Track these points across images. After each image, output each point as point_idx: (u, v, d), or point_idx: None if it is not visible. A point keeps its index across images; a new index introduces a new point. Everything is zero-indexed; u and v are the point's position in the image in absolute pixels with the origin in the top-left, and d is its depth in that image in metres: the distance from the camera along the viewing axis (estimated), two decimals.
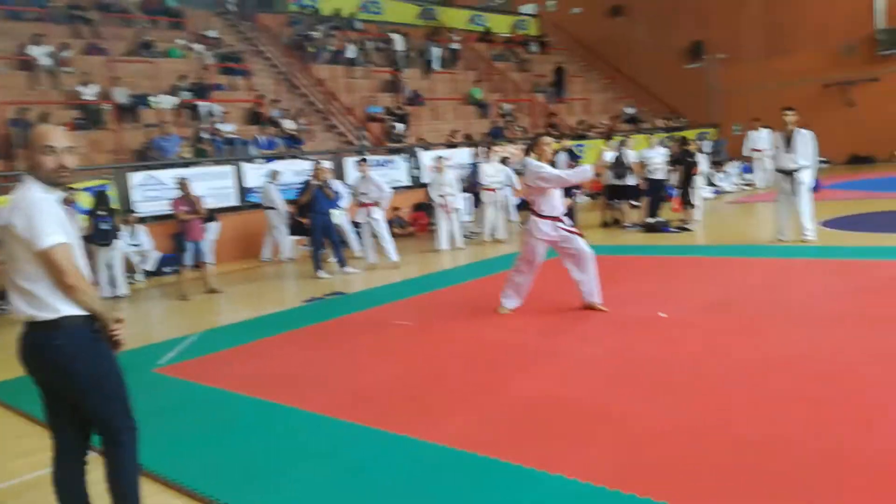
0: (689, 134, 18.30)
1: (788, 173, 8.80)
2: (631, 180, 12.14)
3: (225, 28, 19.83)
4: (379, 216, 10.59)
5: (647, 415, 3.81)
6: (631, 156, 12.28)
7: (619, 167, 12.08)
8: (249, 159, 13.47)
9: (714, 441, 3.39)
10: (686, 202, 11.75)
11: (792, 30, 22.82)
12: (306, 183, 10.25)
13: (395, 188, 14.99)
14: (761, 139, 16.96)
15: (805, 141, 8.71)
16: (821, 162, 20.84)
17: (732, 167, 18.27)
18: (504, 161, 14.07)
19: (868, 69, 21.56)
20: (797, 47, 22.74)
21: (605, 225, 12.87)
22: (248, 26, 20.17)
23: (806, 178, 8.72)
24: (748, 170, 18.29)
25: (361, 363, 5.40)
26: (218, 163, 13.15)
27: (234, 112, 15.88)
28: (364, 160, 11.65)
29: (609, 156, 12.64)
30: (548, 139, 6.44)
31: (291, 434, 4.06)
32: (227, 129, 14.70)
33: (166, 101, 14.98)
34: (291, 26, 20.76)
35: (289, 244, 12.39)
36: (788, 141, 8.73)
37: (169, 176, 11.69)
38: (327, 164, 11.85)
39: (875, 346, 4.56)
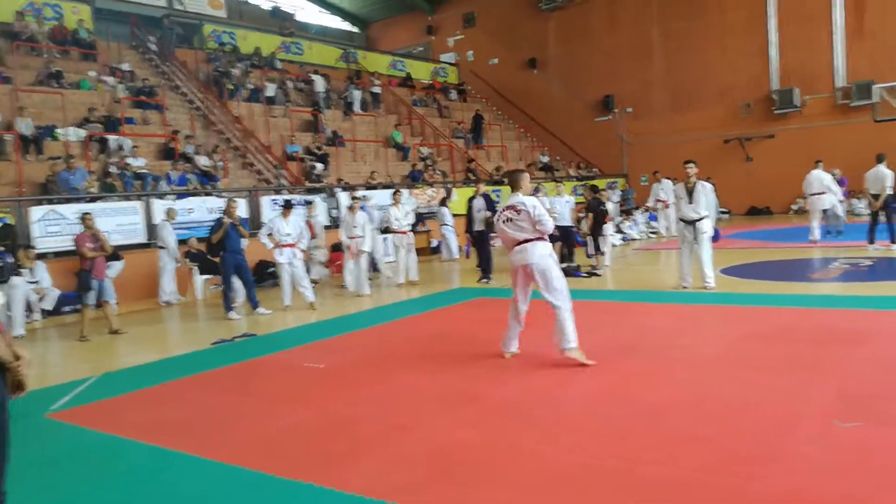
0: (600, 183, 19.03)
1: (690, 223, 9.26)
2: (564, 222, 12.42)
3: (139, 61, 19.40)
4: (299, 257, 10.45)
5: (556, 457, 3.87)
6: (546, 203, 12.63)
7: None
8: (160, 195, 13.09)
9: (619, 482, 3.47)
10: (597, 249, 12.16)
11: (695, 88, 24.28)
12: (219, 220, 10.02)
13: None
14: (664, 190, 17.88)
15: (705, 192, 9.20)
16: (721, 212, 22.15)
17: (640, 215, 19.06)
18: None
19: (765, 126, 23.11)
20: (700, 104, 24.19)
21: None
22: (164, 61, 19.78)
23: (707, 227, 9.19)
24: (654, 218, 19.14)
25: (269, 408, 5.25)
26: (126, 198, 12.71)
27: (146, 147, 15.46)
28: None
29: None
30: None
31: (192, 484, 3.90)
32: (138, 163, 14.28)
33: (73, 134, 14.44)
34: (209, 63, 20.52)
35: (198, 283, 12.06)
36: (690, 192, 9.20)
37: (72, 210, 11.21)
38: (241, 202, 11.66)
39: (763, 388, 4.80)
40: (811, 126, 22.15)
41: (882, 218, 11.99)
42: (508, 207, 6.11)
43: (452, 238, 16.09)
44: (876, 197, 12.03)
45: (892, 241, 11.82)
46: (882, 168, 12.08)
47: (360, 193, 14.74)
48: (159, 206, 12.57)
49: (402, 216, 12.39)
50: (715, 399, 4.68)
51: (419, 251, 13.51)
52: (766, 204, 23.15)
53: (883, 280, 9.41)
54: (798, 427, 4.04)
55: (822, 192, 14.07)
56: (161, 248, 11.64)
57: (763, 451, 3.72)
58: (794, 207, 22.52)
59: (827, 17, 21.86)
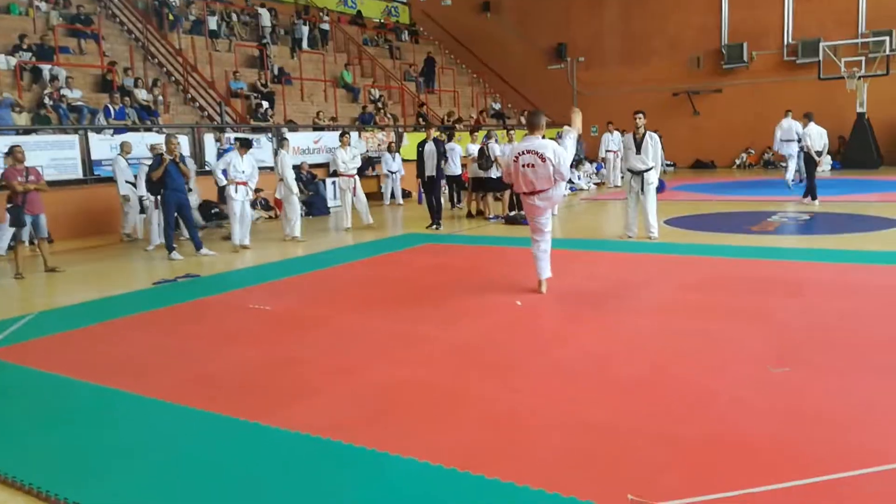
0: (550, 133, 19.03)
1: (638, 173, 9.38)
2: (494, 173, 12.44)
3: None
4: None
5: (500, 398, 3.94)
6: (496, 150, 12.58)
7: (484, 160, 12.33)
8: (97, 129, 12.54)
9: (560, 424, 3.55)
10: None
11: (647, 40, 24.34)
12: (159, 157, 9.67)
13: (259, 168, 14.59)
14: (613, 141, 18.05)
15: (653, 143, 9.30)
16: (667, 165, 22.54)
17: (589, 166, 19.23)
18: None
19: (713, 80, 23.41)
20: (651, 57, 24.31)
21: (469, 216, 13.15)
22: None
23: (653, 178, 9.33)
24: (601, 168, 19.36)
25: (212, 348, 5.19)
26: (63, 131, 12.14)
27: (82, 78, 14.73)
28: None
29: (474, 148, 12.91)
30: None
31: (132, 422, 3.84)
32: (73, 95, 13.61)
33: (3, 62, 13.65)
34: None
35: (139, 222, 11.71)
36: (639, 143, 9.29)
37: (3, 144, 10.66)
38: (181, 138, 11.28)
39: (700, 335, 4.96)
40: (758, 81, 22.54)
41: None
42: (529, 151, 6.04)
43: (393, 184, 16.25)
44: (819, 153, 12.49)
45: (809, 196, 12.48)
46: (814, 126, 12.58)
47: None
48: (96, 140, 12.07)
49: (349, 159, 12.19)
50: (654, 346, 4.82)
51: (369, 196, 13.36)
52: (710, 158, 23.63)
53: (818, 234, 9.76)
54: (731, 372, 4.19)
55: (793, 140, 14.47)
56: (129, 182, 11.10)
57: (699, 396, 3.86)
58: (738, 161, 23.06)
59: None
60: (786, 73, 22.14)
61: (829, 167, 18.82)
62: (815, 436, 3.27)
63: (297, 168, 13.31)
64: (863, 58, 19.78)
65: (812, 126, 12.59)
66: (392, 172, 16.09)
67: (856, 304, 5.65)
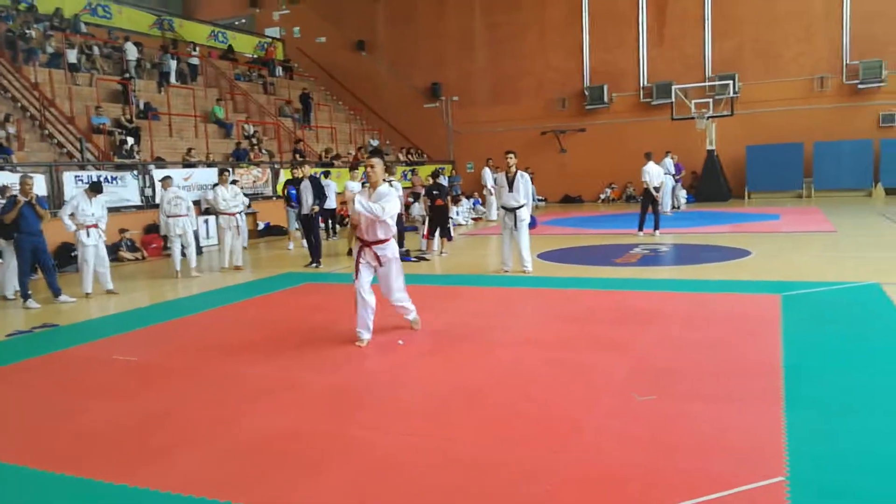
0: (427, 169, 19.41)
1: (511, 210, 9.74)
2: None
3: None
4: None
5: (382, 442, 3.94)
6: (395, 188, 12.60)
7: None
8: None
9: (440, 463, 3.61)
10: (443, 233, 12.40)
11: (515, 81, 25.47)
12: (12, 199, 9.01)
13: (123, 208, 13.91)
14: (492, 177, 18.65)
15: (524, 182, 9.72)
16: (539, 200, 23.49)
17: (466, 202, 19.72)
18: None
19: (577, 120, 24.75)
20: (519, 97, 25.44)
21: (350, 252, 13.07)
22: None
23: (525, 215, 9.72)
24: (478, 203, 19.90)
25: (76, 405, 4.86)
26: None
27: None
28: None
29: (353, 186, 12.94)
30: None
31: None
32: None
33: None
34: (2, 21, 18.29)
35: None
36: (511, 181, 9.67)
37: None
38: (37, 178, 10.60)
39: (571, 366, 5.20)
40: (618, 122, 24.06)
41: (649, 208, 13.78)
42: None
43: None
44: (657, 189, 13.77)
45: (656, 229, 13.63)
46: (652, 164, 13.95)
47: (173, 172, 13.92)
48: None
49: (231, 197, 11.89)
50: (529, 379, 5.00)
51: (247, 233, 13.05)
52: (578, 192, 24.86)
53: (676, 264, 10.49)
54: (599, 402, 4.42)
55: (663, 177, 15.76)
56: None
57: (568, 426, 4.05)
58: (602, 196, 24.39)
59: (634, 21, 23.79)
60: (643, 114, 23.80)
61: (685, 200, 20.34)
62: (675, 463, 3.50)
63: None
64: (710, 99, 21.62)
65: (651, 164, 13.79)
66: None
67: (712, 331, 6.10)
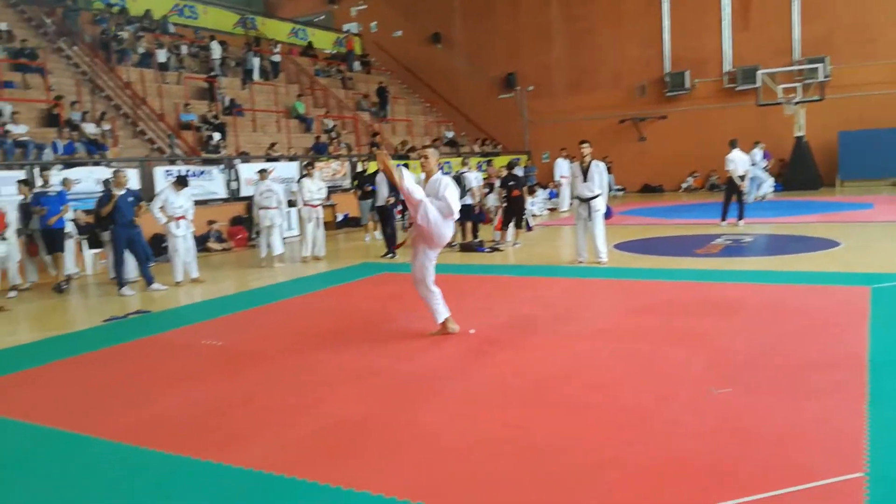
0: (502, 160, 19.36)
1: (585, 200, 9.62)
2: (469, 201, 12.45)
3: (18, 21, 18.05)
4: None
5: (451, 428, 4.00)
6: (471, 179, 12.62)
7: (459, 188, 12.21)
8: (44, 164, 12.32)
9: (508, 451, 3.64)
10: (518, 224, 12.38)
11: (593, 70, 25.04)
12: (108, 192, 9.55)
13: (210, 201, 14.50)
14: (566, 167, 18.38)
15: (599, 171, 9.57)
16: (617, 190, 23.08)
17: (542, 192, 19.56)
18: None
19: (658, 107, 24.13)
20: (597, 85, 24.99)
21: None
22: (46, 20, 18.46)
23: (600, 205, 9.58)
24: (554, 195, 19.71)
25: (164, 386, 5.14)
26: (8, 167, 11.90)
27: (28, 113, 14.49)
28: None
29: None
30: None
31: (85, 465, 3.79)
32: (19, 130, 13.36)
33: None
34: (96, 24, 19.34)
35: (88, 258, 11.53)
36: (585, 171, 9.54)
37: None
38: (130, 172, 11.16)
39: (646, 359, 5.12)
40: (700, 108, 23.31)
41: (734, 197, 13.22)
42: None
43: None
44: (742, 178, 13.16)
45: (740, 218, 13.18)
46: (737, 152, 13.33)
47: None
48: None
49: (316, 189, 12.23)
50: (602, 370, 4.95)
51: (324, 225, 13.37)
52: (658, 182, 24.25)
53: (760, 255, 10.12)
54: (675, 395, 4.34)
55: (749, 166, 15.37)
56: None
57: (641, 418, 3.99)
58: (684, 185, 23.72)
59: (717, 5, 22.97)
60: (727, 100, 22.97)
61: (772, 189, 19.52)
62: (751, 455, 3.41)
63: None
64: (799, 84, 20.64)
65: (736, 152, 13.22)
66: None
67: (795, 324, 5.88)
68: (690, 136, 23.15)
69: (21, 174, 11.61)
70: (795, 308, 6.48)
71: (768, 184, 18.91)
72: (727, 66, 23.06)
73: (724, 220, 13.22)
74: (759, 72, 21.39)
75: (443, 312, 6.10)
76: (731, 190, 13.22)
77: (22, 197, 10.16)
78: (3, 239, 9.41)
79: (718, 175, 21.52)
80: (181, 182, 10.14)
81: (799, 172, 20.91)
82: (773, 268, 8.71)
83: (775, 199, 18.84)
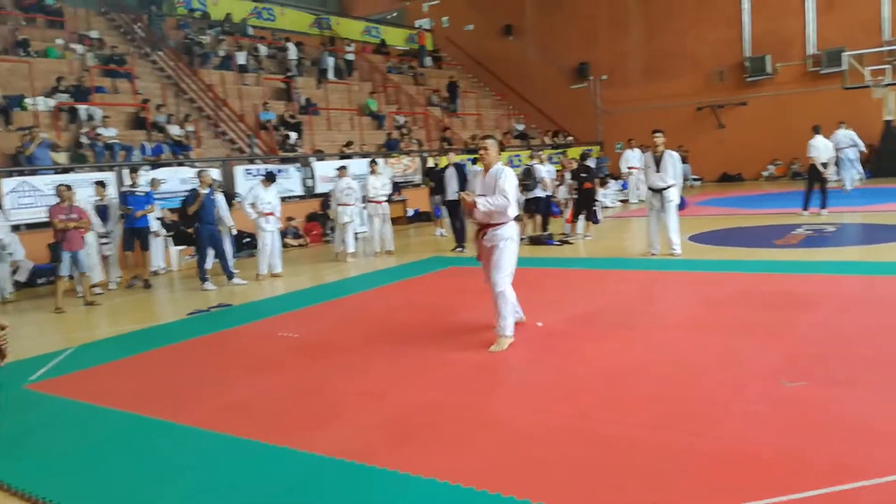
0: (574, 151, 19.16)
1: (658, 191, 9.46)
2: (540, 193, 12.45)
3: (107, 29, 19.05)
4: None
5: (519, 418, 4.07)
6: (541, 171, 12.56)
7: (531, 181, 12.21)
8: (132, 166, 13.00)
9: (576, 440, 3.68)
10: (588, 216, 12.29)
11: (669, 56, 24.36)
12: (194, 191, 10.02)
13: (288, 198, 14.96)
14: (635, 158, 18.01)
15: (673, 161, 9.38)
16: (694, 180, 22.46)
17: (614, 183, 19.27)
18: None
19: (737, 93, 23.32)
20: (674, 72, 24.30)
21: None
22: (133, 27, 19.41)
23: (673, 196, 9.40)
24: (625, 186, 19.36)
25: (243, 376, 5.40)
26: (98, 169, 12.62)
27: (117, 116, 15.29)
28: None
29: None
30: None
31: (168, 449, 4.04)
32: (109, 133, 14.14)
33: (43, 103, 14.24)
34: (179, 29, 20.20)
35: (174, 255, 12.12)
36: (658, 161, 9.38)
37: (45, 182, 11.16)
38: (212, 171, 11.65)
39: (718, 351, 5.03)
40: (782, 93, 22.41)
41: (816, 185, 12.71)
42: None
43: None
44: (825, 165, 12.65)
45: (823, 207, 12.65)
46: (820, 138, 12.80)
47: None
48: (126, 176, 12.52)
49: (380, 186, 12.47)
50: (673, 362, 4.91)
51: (395, 220, 13.62)
52: (737, 170, 23.47)
53: (842, 245, 9.71)
54: (747, 387, 4.27)
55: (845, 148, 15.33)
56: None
57: (712, 410, 3.95)
58: (765, 174, 22.88)
59: None
60: (810, 84, 21.98)
61: (860, 177, 18.57)
62: (824, 448, 3.34)
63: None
64: (889, 66, 19.58)
65: (819, 138, 12.67)
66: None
67: (878, 317, 5.66)
68: (771, 123, 22.29)
69: (100, 175, 12.26)
70: (878, 300, 6.23)
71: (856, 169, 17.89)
72: (811, 48, 22.06)
73: (806, 209, 12.74)
74: (845, 54, 20.41)
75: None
76: (814, 177, 12.72)
77: (98, 198, 10.44)
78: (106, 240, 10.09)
79: (801, 163, 20.65)
80: (269, 178, 10.53)
81: (889, 159, 19.85)
82: (856, 258, 8.36)
83: (863, 186, 17.95)
